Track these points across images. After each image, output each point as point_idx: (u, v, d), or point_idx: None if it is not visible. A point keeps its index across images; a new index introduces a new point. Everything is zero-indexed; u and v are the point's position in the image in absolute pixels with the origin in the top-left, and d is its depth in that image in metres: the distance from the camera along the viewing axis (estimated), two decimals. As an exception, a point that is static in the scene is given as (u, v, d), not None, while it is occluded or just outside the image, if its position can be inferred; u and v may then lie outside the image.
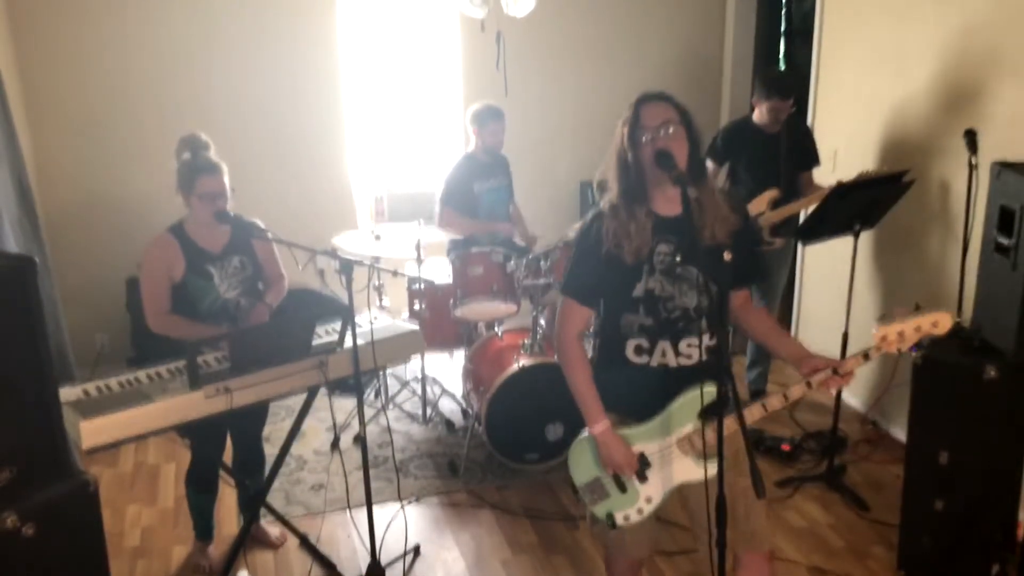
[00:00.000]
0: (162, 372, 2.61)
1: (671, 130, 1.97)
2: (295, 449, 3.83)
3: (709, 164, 4.12)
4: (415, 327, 3.01)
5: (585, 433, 2.13)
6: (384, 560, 2.89)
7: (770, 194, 3.87)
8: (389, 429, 4.06)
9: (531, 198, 4.64)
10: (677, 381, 2.06)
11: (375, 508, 2.83)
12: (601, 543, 2.36)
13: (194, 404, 2.43)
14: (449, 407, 4.28)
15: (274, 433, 3.85)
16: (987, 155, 3.03)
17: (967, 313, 2.99)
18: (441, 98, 5.22)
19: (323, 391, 2.86)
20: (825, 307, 4.45)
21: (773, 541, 2.22)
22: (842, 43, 4.25)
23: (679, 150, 1.97)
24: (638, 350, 2.08)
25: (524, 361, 3.55)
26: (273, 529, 3.24)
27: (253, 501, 3.05)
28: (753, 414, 1.97)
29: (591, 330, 2.28)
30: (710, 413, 2.03)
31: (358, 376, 2.66)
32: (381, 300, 4.16)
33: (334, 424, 4.06)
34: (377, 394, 4.41)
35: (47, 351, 1.94)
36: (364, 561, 2.94)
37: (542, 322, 3.85)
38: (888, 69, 3.91)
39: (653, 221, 2.02)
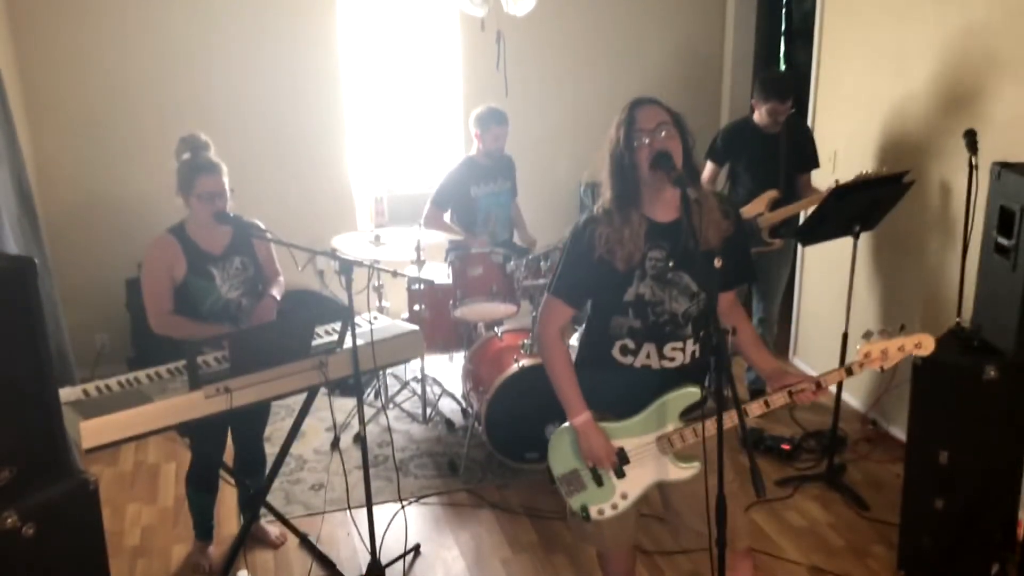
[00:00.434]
0: (162, 372, 2.61)
1: (663, 133, 1.97)
2: (295, 449, 3.83)
3: (709, 165, 4.13)
4: (415, 328, 3.01)
5: (566, 424, 2.15)
6: (384, 559, 2.90)
7: (769, 195, 3.87)
8: (389, 429, 4.06)
9: (531, 198, 4.64)
10: (660, 383, 2.08)
11: (375, 508, 2.83)
12: (578, 536, 2.38)
13: (194, 404, 2.43)
14: (449, 407, 4.28)
15: (274, 433, 3.85)
16: (987, 155, 3.02)
17: (967, 313, 2.99)
18: (441, 98, 5.22)
19: (323, 391, 2.86)
20: (825, 307, 4.45)
21: (751, 539, 2.23)
22: (842, 43, 4.25)
23: (675, 152, 1.97)
24: (623, 350, 2.10)
25: (524, 361, 3.55)
26: (273, 529, 3.24)
27: (253, 501, 3.05)
28: (734, 417, 1.97)
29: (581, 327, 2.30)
30: (693, 414, 2.04)
31: (358, 376, 2.66)
32: (381, 301, 4.16)
33: (334, 424, 4.06)
34: (377, 394, 4.41)
35: (47, 351, 1.94)
36: (364, 561, 2.94)
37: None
38: (888, 69, 3.91)
39: (646, 227, 2.02)
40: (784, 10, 5.65)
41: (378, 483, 3.57)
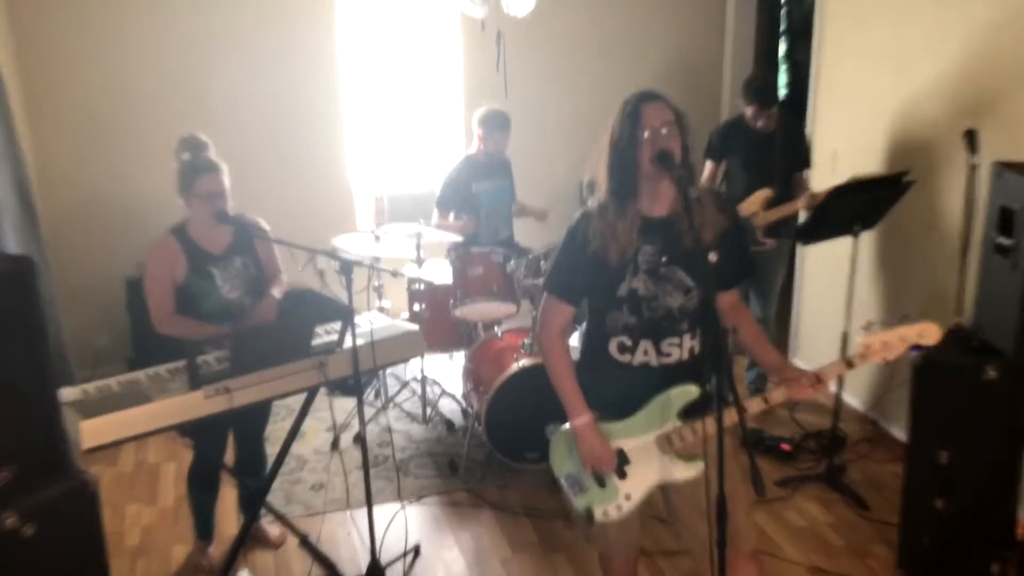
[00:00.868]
0: (162, 372, 2.61)
1: (666, 131, 1.97)
2: (295, 449, 3.83)
3: (708, 164, 4.13)
4: (415, 327, 3.01)
5: (566, 425, 2.14)
6: (384, 560, 2.89)
7: (763, 194, 3.87)
8: (389, 429, 4.06)
9: (531, 198, 4.64)
10: (659, 380, 2.08)
11: (375, 508, 2.83)
12: (584, 538, 2.36)
13: (194, 404, 2.43)
14: (449, 407, 4.28)
15: (274, 433, 3.84)
16: (987, 155, 3.03)
17: (967, 313, 2.99)
18: (441, 98, 5.22)
19: (323, 391, 2.85)
20: (825, 307, 4.45)
21: (756, 540, 2.21)
22: (842, 43, 4.25)
23: (676, 152, 1.97)
24: (621, 348, 2.09)
25: (524, 361, 3.55)
26: (273, 529, 3.24)
27: (253, 501, 3.05)
28: (732, 416, 1.97)
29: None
30: (692, 413, 2.04)
31: (358, 376, 2.66)
32: (381, 301, 4.16)
33: (334, 424, 4.06)
34: (377, 394, 4.41)
35: (47, 351, 1.94)
36: (364, 561, 2.94)
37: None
38: (888, 69, 3.91)
39: (639, 222, 2.02)
40: (784, 10, 5.65)
41: (378, 483, 3.57)
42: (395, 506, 3.36)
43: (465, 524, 3.35)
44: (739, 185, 4.01)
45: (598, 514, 2.15)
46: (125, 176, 4.61)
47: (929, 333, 1.97)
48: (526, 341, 3.75)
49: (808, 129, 4.41)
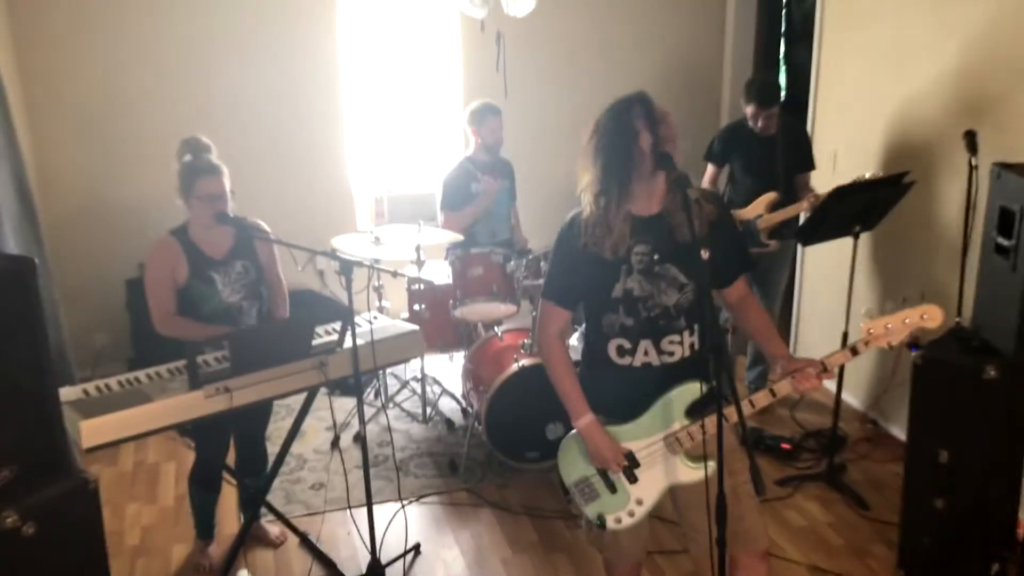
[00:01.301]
0: (162, 372, 2.61)
1: (663, 132, 1.97)
2: (295, 448, 3.83)
3: (709, 167, 4.13)
4: (415, 327, 3.01)
5: (573, 431, 2.14)
6: (384, 559, 2.89)
7: (768, 197, 3.87)
8: (389, 428, 4.07)
9: (530, 198, 4.64)
10: (662, 379, 2.07)
11: (375, 507, 2.83)
12: (596, 547, 2.34)
13: (194, 404, 2.43)
14: (449, 406, 4.28)
15: (274, 432, 3.84)
16: (987, 156, 3.02)
17: (967, 313, 2.99)
18: (441, 99, 5.22)
19: (323, 391, 2.86)
20: (825, 307, 4.45)
21: (768, 540, 2.21)
22: (842, 44, 4.25)
23: (674, 152, 1.98)
24: (620, 351, 2.09)
25: (524, 361, 3.55)
26: (273, 528, 3.24)
27: (253, 500, 3.05)
28: (735, 414, 1.96)
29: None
30: (697, 411, 2.03)
31: (358, 376, 2.66)
32: (381, 301, 4.16)
33: (334, 423, 4.06)
34: (377, 394, 4.41)
35: (47, 351, 1.94)
36: (364, 560, 2.94)
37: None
38: (888, 69, 3.91)
39: (631, 221, 2.03)
40: (784, 11, 5.64)
41: (378, 483, 3.58)
42: (395, 505, 3.36)
43: (465, 524, 3.35)
44: (742, 189, 4.01)
45: (610, 521, 2.13)
46: (125, 176, 4.62)
47: (932, 315, 1.96)
48: (526, 341, 3.75)
49: (808, 130, 4.41)
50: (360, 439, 2.84)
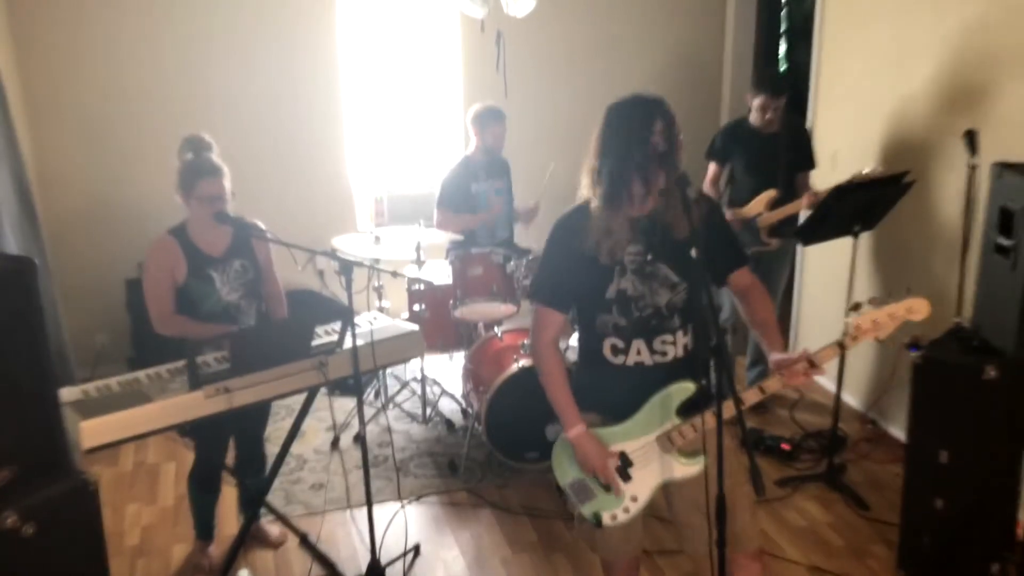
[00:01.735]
0: (162, 372, 2.61)
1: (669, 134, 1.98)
2: (295, 448, 3.83)
3: (712, 165, 4.13)
4: (415, 327, 3.01)
5: (564, 436, 2.15)
6: (384, 559, 2.89)
7: (768, 195, 3.88)
8: (389, 429, 4.06)
9: (530, 198, 4.64)
10: (656, 379, 2.08)
11: (375, 507, 2.83)
12: (589, 545, 2.35)
13: (194, 404, 2.43)
14: (449, 407, 4.28)
15: (274, 433, 3.85)
16: (987, 156, 3.02)
17: (967, 313, 2.99)
18: (441, 99, 5.22)
19: (323, 391, 2.85)
20: (825, 307, 4.45)
21: (760, 540, 2.21)
22: (842, 43, 4.25)
23: (677, 154, 1.99)
24: (614, 350, 2.10)
25: (524, 361, 3.55)
26: (273, 528, 3.24)
27: (253, 500, 3.05)
28: (729, 408, 1.96)
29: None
30: (689, 410, 2.04)
31: (358, 376, 2.66)
32: (381, 301, 4.16)
33: (334, 424, 4.06)
34: (377, 394, 4.41)
35: (47, 351, 1.94)
36: (364, 560, 2.94)
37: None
38: (888, 69, 3.91)
39: (627, 223, 2.03)
40: (784, 10, 5.65)
41: (378, 483, 3.58)
42: (395, 506, 3.36)
43: (465, 524, 3.35)
44: (743, 187, 4.01)
45: (606, 519, 2.15)
46: (125, 176, 4.62)
47: (918, 308, 1.96)
48: (526, 341, 3.74)
49: (808, 129, 4.41)
50: (360, 439, 2.84)
